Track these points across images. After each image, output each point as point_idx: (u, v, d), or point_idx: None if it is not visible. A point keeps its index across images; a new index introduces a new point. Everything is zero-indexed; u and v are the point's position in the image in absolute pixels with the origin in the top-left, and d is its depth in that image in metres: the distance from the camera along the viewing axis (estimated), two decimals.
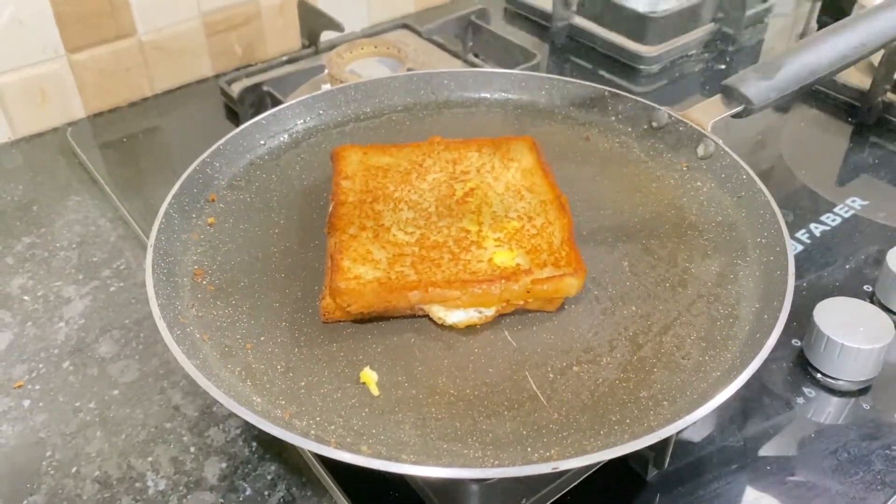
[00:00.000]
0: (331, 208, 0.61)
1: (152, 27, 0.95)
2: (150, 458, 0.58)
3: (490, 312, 0.55)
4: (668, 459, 0.56)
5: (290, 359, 0.53)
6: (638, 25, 1.04)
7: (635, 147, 0.73)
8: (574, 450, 0.47)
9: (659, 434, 0.45)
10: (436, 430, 0.49)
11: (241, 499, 0.56)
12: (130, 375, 0.64)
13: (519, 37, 1.08)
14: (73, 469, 0.58)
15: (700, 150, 0.69)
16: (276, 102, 0.88)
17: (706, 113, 0.70)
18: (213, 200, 0.65)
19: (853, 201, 0.80)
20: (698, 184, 0.68)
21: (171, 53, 0.98)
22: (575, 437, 0.48)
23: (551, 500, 0.54)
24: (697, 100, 0.95)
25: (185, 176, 0.64)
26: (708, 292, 0.58)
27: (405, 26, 1.06)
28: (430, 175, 0.65)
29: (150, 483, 0.57)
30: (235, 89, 0.92)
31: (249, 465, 0.58)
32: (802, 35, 1.13)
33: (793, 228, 0.76)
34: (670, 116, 0.71)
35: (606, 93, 0.76)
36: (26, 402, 0.62)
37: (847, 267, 0.72)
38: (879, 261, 0.72)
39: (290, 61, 1.00)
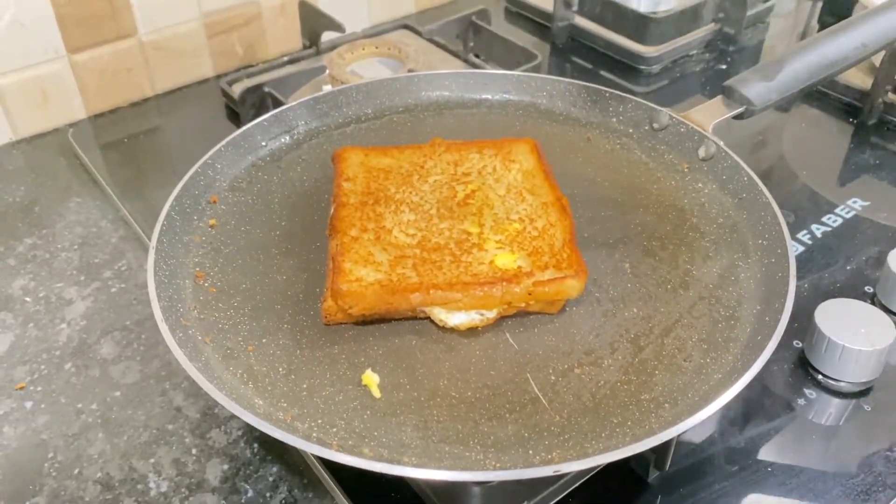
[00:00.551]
0: (332, 210, 0.61)
1: (153, 28, 0.95)
2: (151, 460, 0.58)
3: (491, 314, 0.55)
4: (669, 461, 0.56)
5: (292, 361, 0.53)
6: (639, 26, 1.04)
7: (636, 148, 0.73)
8: (575, 452, 0.47)
9: (660, 437, 0.45)
10: (437, 432, 0.49)
11: (242, 500, 0.56)
12: (132, 377, 0.65)
13: (520, 37, 1.08)
14: (76, 471, 0.58)
15: (701, 152, 0.69)
16: (277, 103, 0.88)
17: (707, 114, 0.70)
18: (214, 202, 0.66)
19: (854, 202, 0.80)
20: (699, 185, 0.68)
21: (172, 54, 0.98)
22: (576, 439, 0.48)
23: (553, 502, 0.54)
24: (698, 100, 0.96)
25: (186, 178, 0.64)
26: (709, 294, 0.58)
27: (406, 27, 1.06)
28: (432, 177, 0.65)
29: (151, 485, 0.57)
30: (236, 90, 0.92)
31: (251, 467, 0.58)
32: (803, 35, 1.13)
33: (794, 229, 0.76)
34: (671, 118, 0.71)
35: (607, 94, 0.76)
36: (28, 404, 0.62)
37: (848, 268, 0.72)
38: (881, 262, 0.72)
39: (290, 62, 1.00)
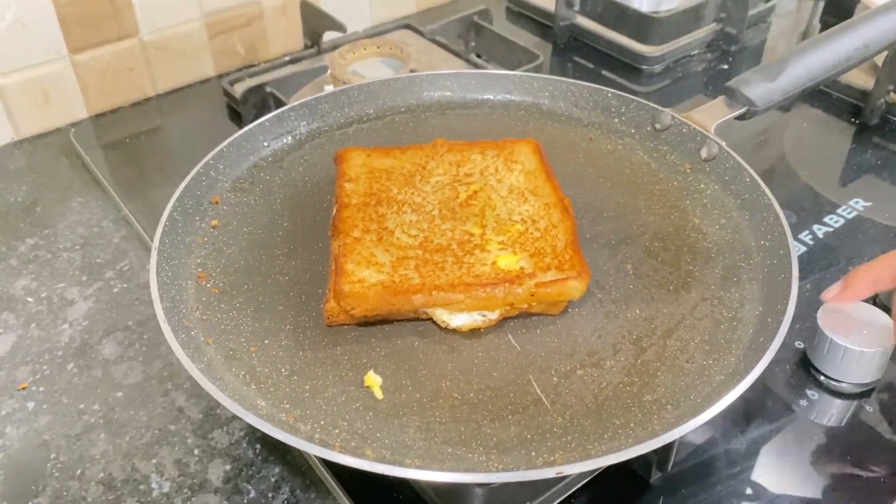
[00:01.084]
0: (334, 211, 0.61)
1: (154, 27, 0.95)
2: (154, 461, 0.58)
3: (494, 316, 0.55)
4: (671, 462, 0.56)
5: (295, 362, 0.53)
6: (641, 25, 1.04)
7: (638, 149, 0.73)
8: (578, 454, 0.47)
9: (663, 438, 0.45)
10: (440, 433, 0.49)
11: (244, 501, 0.56)
12: (134, 377, 0.65)
13: (521, 37, 1.07)
14: (78, 471, 0.58)
15: (703, 153, 0.69)
16: (279, 103, 0.88)
17: (709, 115, 0.70)
18: (216, 203, 0.65)
19: (856, 202, 0.80)
20: (701, 186, 0.68)
21: (174, 54, 0.98)
22: (579, 441, 0.48)
23: (555, 502, 0.54)
24: (700, 100, 0.96)
25: (188, 178, 0.64)
26: (711, 295, 0.58)
27: (407, 26, 1.06)
28: (434, 177, 0.65)
29: (154, 485, 0.57)
30: (238, 90, 0.92)
31: (253, 468, 0.58)
32: (805, 35, 1.13)
33: (796, 230, 0.76)
34: (674, 118, 0.71)
35: (609, 94, 0.76)
36: (30, 404, 0.62)
37: (850, 268, 0.72)
38: None
39: (292, 62, 1.00)
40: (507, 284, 0.54)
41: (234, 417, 0.61)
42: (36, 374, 0.65)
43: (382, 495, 0.54)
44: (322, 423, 0.49)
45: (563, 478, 0.53)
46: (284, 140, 0.73)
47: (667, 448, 0.54)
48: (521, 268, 0.56)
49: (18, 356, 0.67)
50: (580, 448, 0.48)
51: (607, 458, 0.45)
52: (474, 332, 0.55)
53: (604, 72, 1.04)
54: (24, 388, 0.64)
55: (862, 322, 0.61)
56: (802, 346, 0.65)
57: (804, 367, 0.63)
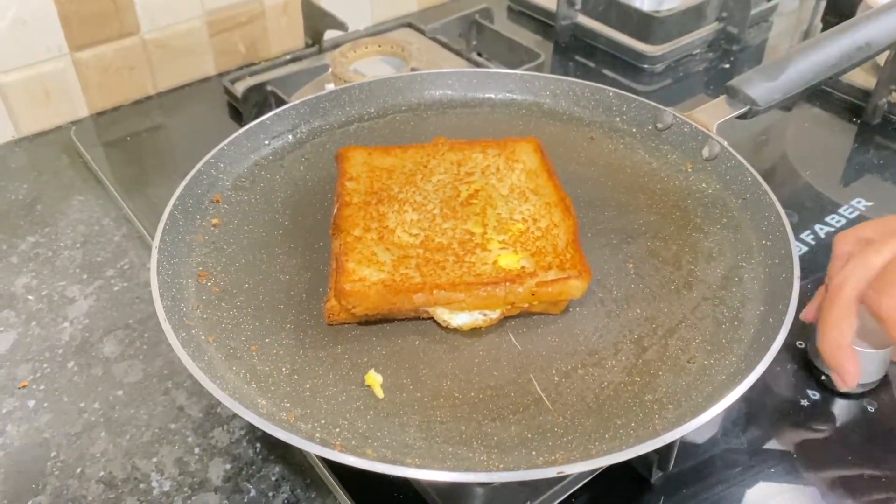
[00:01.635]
0: (335, 210, 0.61)
1: (156, 26, 0.95)
2: (154, 459, 0.58)
3: (495, 315, 0.55)
4: (672, 462, 0.56)
5: (295, 361, 0.53)
6: (642, 25, 1.03)
7: (640, 148, 0.73)
8: (579, 454, 0.47)
9: (664, 438, 0.45)
10: (440, 433, 0.49)
11: (245, 500, 0.56)
12: (135, 376, 0.65)
13: (523, 36, 1.07)
14: (78, 470, 0.58)
15: (705, 152, 0.69)
16: (280, 102, 0.88)
17: (711, 114, 0.70)
18: (217, 201, 0.65)
19: (858, 202, 0.80)
20: (703, 185, 0.68)
21: (175, 52, 0.98)
22: (580, 440, 0.48)
23: (556, 501, 0.54)
24: (702, 99, 0.96)
25: (189, 177, 0.64)
26: (713, 295, 0.58)
27: (409, 25, 1.06)
28: (435, 176, 0.64)
29: (154, 484, 0.57)
30: (239, 88, 0.92)
31: (254, 467, 0.58)
32: (807, 34, 1.13)
33: (797, 229, 0.76)
34: (675, 117, 0.71)
35: (611, 93, 0.76)
36: (31, 403, 0.62)
37: None
38: None
39: (293, 60, 1.00)
40: (508, 283, 0.54)
41: (235, 416, 0.61)
42: (36, 372, 0.65)
43: (383, 494, 0.54)
44: (323, 422, 0.49)
45: (564, 477, 0.53)
46: (285, 139, 0.73)
47: (668, 448, 0.54)
48: (522, 267, 0.56)
49: (19, 354, 0.67)
50: (581, 447, 0.48)
51: (608, 457, 0.45)
52: (475, 332, 0.55)
53: (605, 71, 1.04)
54: (24, 387, 0.64)
55: (863, 321, 0.61)
56: (803, 345, 0.64)
57: (805, 367, 0.63)
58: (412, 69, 0.88)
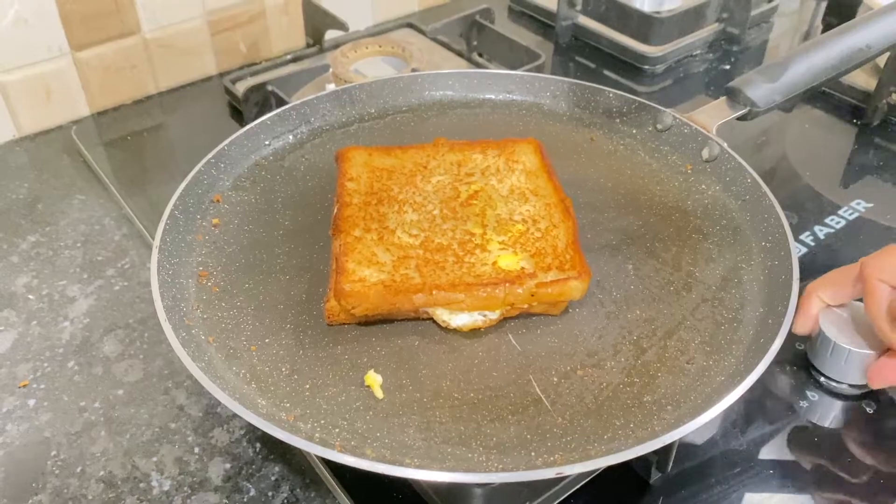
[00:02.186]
0: (335, 210, 0.61)
1: (157, 25, 0.95)
2: (154, 459, 0.58)
3: (494, 316, 0.55)
4: (671, 463, 0.56)
5: (295, 361, 0.53)
6: (643, 25, 1.03)
7: (640, 149, 0.73)
8: (578, 454, 0.47)
9: (663, 439, 0.45)
10: (440, 433, 0.49)
11: (245, 499, 0.56)
12: (135, 375, 0.65)
13: (523, 36, 1.07)
14: (78, 469, 0.58)
15: (705, 153, 0.69)
16: (281, 102, 0.88)
17: (711, 116, 0.70)
18: (217, 201, 0.66)
19: (858, 203, 0.80)
20: (703, 187, 0.68)
21: (176, 51, 0.98)
22: (579, 441, 0.48)
23: (555, 502, 0.54)
24: (702, 100, 0.96)
25: (189, 177, 0.64)
26: (712, 296, 0.58)
27: (409, 25, 1.06)
28: (435, 177, 0.65)
29: (154, 483, 0.57)
30: (240, 88, 0.92)
31: (253, 466, 0.58)
32: (807, 36, 1.13)
33: (797, 231, 0.76)
34: (675, 119, 0.71)
35: (611, 95, 0.76)
36: (31, 402, 0.63)
37: None
38: None
39: (294, 60, 1.00)
40: (507, 284, 0.54)
41: (235, 416, 0.61)
42: (37, 371, 0.65)
43: (382, 494, 0.55)
44: (322, 422, 0.49)
45: (563, 478, 0.53)
46: (286, 139, 0.73)
47: (667, 449, 0.54)
48: (522, 268, 0.56)
49: (19, 353, 0.67)
50: (580, 448, 0.48)
51: (607, 458, 0.45)
52: (474, 333, 0.55)
53: (605, 72, 1.04)
54: (24, 386, 0.64)
55: (860, 323, 0.61)
56: (802, 347, 0.65)
57: (804, 368, 0.63)
58: (413, 69, 0.88)
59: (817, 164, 0.87)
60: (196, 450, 0.59)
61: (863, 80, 0.95)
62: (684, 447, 0.57)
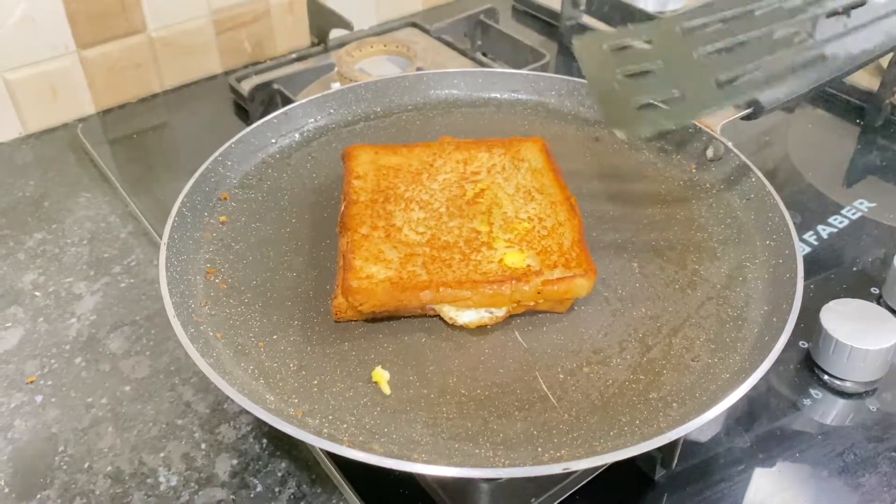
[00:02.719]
0: (342, 207, 0.62)
1: (162, 24, 0.96)
2: (161, 454, 0.59)
3: (501, 313, 0.56)
4: (676, 460, 0.56)
5: (303, 357, 0.53)
6: None
7: (644, 148, 0.73)
8: (584, 450, 0.47)
9: (669, 436, 0.46)
10: (447, 429, 0.49)
11: (252, 495, 0.56)
12: (142, 371, 0.65)
13: (527, 36, 1.08)
14: (86, 464, 0.58)
15: (709, 152, 0.69)
16: (286, 100, 0.88)
17: (715, 115, 0.70)
18: (225, 199, 0.66)
19: (861, 203, 0.81)
20: (707, 185, 0.68)
21: (181, 50, 0.99)
22: (585, 437, 0.48)
23: (560, 499, 0.54)
24: None
25: (197, 174, 0.64)
26: (717, 294, 0.58)
27: (414, 24, 1.07)
28: (441, 175, 0.65)
29: (161, 479, 0.57)
30: (245, 87, 0.92)
31: (260, 462, 0.58)
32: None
33: (800, 230, 0.76)
34: None
35: None
36: (39, 398, 0.63)
37: (854, 269, 0.73)
38: (887, 263, 0.72)
39: (299, 59, 1.00)
40: (514, 282, 0.54)
41: (241, 412, 0.62)
42: (44, 367, 0.65)
43: (388, 490, 0.55)
44: (330, 417, 0.49)
45: (569, 474, 0.53)
46: (292, 137, 0.73)
47: (672, 445, 0.54)
48: (528, 265, 0.56)
49: (27, 350, 0.67)
50: (586, 445, 0.48)
51: (613, 454, 0.45)
52: (481, 330, 0.56)
53: None
54: (32, 382, 0.64)
55: (865, 321, 0.62)
56: (806, 345, 0.65)
57: (808, 366, 0.64)
58: (417, 69, 0.89)
59: (820, 163, 0.87)
60: (203, 446, 0.59)
61: (866, 80, 0.95)
62: (689, 444, 0.58)
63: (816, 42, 0.61)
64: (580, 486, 0.55)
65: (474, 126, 0.76)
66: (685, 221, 0.65)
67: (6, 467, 0.58)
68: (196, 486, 0.57)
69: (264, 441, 0.60)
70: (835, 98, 0.97)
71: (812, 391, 0.62)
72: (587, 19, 1.10)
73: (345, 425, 0.49)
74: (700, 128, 0.70)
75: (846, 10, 0.62)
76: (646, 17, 1.03)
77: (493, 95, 0.79)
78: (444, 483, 0.53)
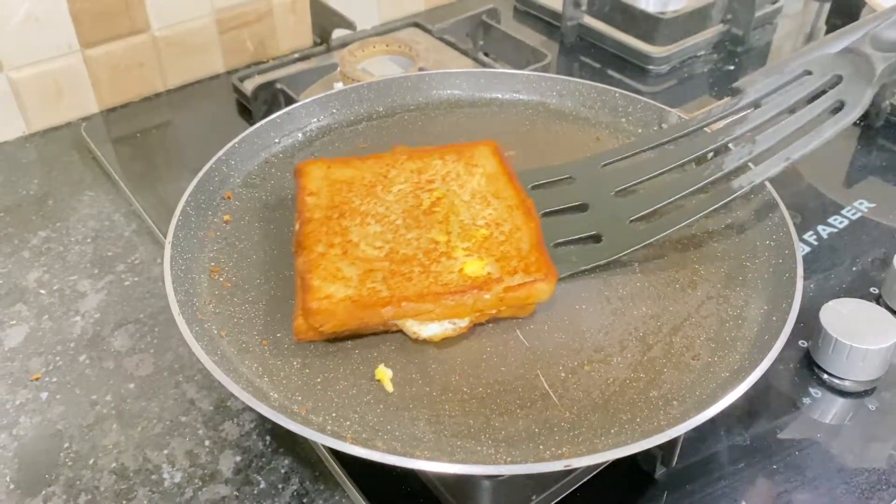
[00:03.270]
0: (297, 227, 0.60)
1: (166, 23, 0.96)
2: (165, 451, 0.59)
3: (464, 323, 0.55)
4: (676, 458, 0.56)
5: (306, 355, 0.54)
6: (648, 26, 1.04)
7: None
8: (585, 448, 0.48)
9: (669, 434, 0.46)
10: (449, 427, 0.49)
11: (255, 492, 0.57)
12: (146, 369, 0.65)
13: (529, 36, 1.08)
14: (91, 461, 0.59)
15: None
16: (289, 100, 0.89)
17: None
18: (228, 198, 0.66)
19: (860, 203, 0.81)
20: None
21: (184, 49, 0.99)
22: (586, 435, 0.49)
23: (560, 497, 0.55)
24: (706, 100, 0.97)
25: (201, 173, 0.65)
26: (717, 294, 0.59)
27: (416, 25, 1.07)
28: (396, 186, 0.63)
29: (166, 475, 0.58)
30: (248, 86, 0.93)
31: (263, 459, 0.59)
32: (810, 37, 1.14)
33: (800, 230, 0.77)
34: (680, 119, 0.72)
35: (617, 94, 0.76)
36: (44, 395, 0.63)
37: (854, 269, 0.73)
38: (886, 263, 0.73)
39: (301, 59, 1.01)
40: (475, 291, 0.54)
41: (245, 409, 0.62)
42: (49, 364, 0.66)
43: (391, 487, 0.55)
44: (334, 415, 0.50)
45: (570, 471, 0.54)
46: (295, 136, 0.74)
47: (672, 443, 0.55)
48: (489, 273, 0.56)
49: (31, 347, 0.67)
50: (587, 442, 0.48)
51: (614, 451, 0.46)
52: (482, 328, 0.56)
53: (610, 72, 1.05)
54: (37, 379, 0.65)
55: (864, 320, 0.62)
56: (805, 344, 0.65)
57: (807, 366, 0.64)
58: (420, 69, 0.89)
59: (820, 164, 0.87)
60: (207, 443, 0.60)
61: None
62: (688, 442, 0.58)
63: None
64: (581, 484, 0.55)
65: (477, 126, 0.76)
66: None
67: (12, 463, 0.58)
68: (200, 483, 0.57)
69: (267, 438, 0.60)
70: None
71: (811, 390, 0.62)
72: (588, 20, 1.10)
73: (348, 422, 0.49)
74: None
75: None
76: (647, 17, 1.04)
77: (494, 95, 0.80)
78: (446, 480, 0.53)
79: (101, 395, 0.63)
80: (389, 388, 0.52)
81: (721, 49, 1.09)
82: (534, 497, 0.53)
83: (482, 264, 0.56)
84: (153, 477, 0.58)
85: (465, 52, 1.00)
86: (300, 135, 0.74)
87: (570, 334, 0.56)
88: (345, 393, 0.51)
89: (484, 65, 0.98)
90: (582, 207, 0.64)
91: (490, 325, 0.56)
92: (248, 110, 0.94)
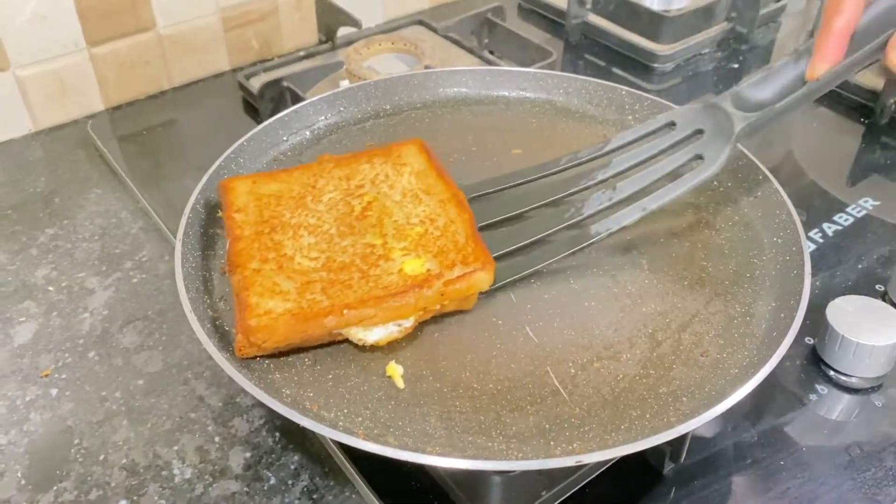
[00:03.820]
0: (227, 245, 0.59)
1: (171, 21, 0.96)
2: (175, 447, 0.59)
3: (409, 324, 0.54)
4: (684, 454, 0.57)
5: (318, 352, 0.54)
6: (652, 24, 1.04)
7: None
8: (596, 444, 0.48)
9: (679, 429, 0.46)
10: (460, 423, 0.50)
11: (265, 488, 0.57)
12: (155, 366, 0.66)
13: (534, 34, 1.08)
14: (101, 457, 0.59)
15: None
16: (296, 98, 0.89)
17: None
18: None
19: (865, 201, 0.81)
20: (714, 183, 0.69)
21: (190, 47, 0.99)
22: (596, 431, 0.49)
23: (570, 492, 0.55)
24: (710, 98, 0.97)
25: (210, 171, 0.65)
26: (725, 291, 0.59)
27: (420, 23, 1.07)
28: (325, 195, 0.63)
29: (176, 471, 0.58)
30: (255, 84, 0.93)
31: (273, 455, 0.59)
32: (814, 35, 1.14)
33: (806, 228, 0.76)
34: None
35: (623, 92, 0.77)
36: (54, 391, 0.64)
37: (859, 266, 0.73)
38: (892, 260, 0.73)
39: (307, 56, 1.01)
40: (416, 289, 0.54)
41: (254, 406, 0.62)
42: (58, 361, 0.66)
43: (401, 483, 0.56)
44: (345, 411, 0.50)
45: (580, 467, 0.54)
46: (303, 134, 0.74)
47: (681, 439, 0.55)
48: (428, 270, 0.55)
49: (41, 344, 0.68)
50: (598, 438, 0.49)
51: (624, 447, 0.46)
52: (493, 325, 0.56)
53: (615, 69, 1.05)
54: (46, 376, 0.65)
55: (870, 317, 0.62)
56: (812, 342, 0.66)
57: (814, 362, 0.64)
58: (426, 67, 0.89)
59: (825, 162, 0.88)
60: (216, 439, 0.60)
61: (870, 79, 0.96)
62: (696, 439, 0.58)
63: (584, 218, 0.61)
64: (589, 480, 0.55)
65: (483, 123, 0.77)
66: (692, 218, 0.66)
67: (23, 459, 0.59)
68: (210, 479, 0.57)
69: (277, 434, 0.60)
70: (839, 97, 0.97)
71: (818, 387, 0.63)
72: (593, 18, 1.10)
73: (360, 418, 0.50)
74: None
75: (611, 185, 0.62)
76: (652, 15, 1.04)
77: (501, 93, 0.80)
78: (457, 475, 0.54)
79: (111, 391, 0.64)
80: (400, 384, 0.52)
81: (725, 47, 1.09)
82: (543, 493, 0.54)
83: (421, 262, 0.56)
84: (163, 473, 0.58)
85: (470, 50, 1.00)
86: (308, 133, 0.74)
87: (579, 331, 0.56)
88: (356, 389, 0.52)
89: (489, 63, 0.98)
90: None
91: (499, 322, 0.56)
92: (254, 108, 0.94)
